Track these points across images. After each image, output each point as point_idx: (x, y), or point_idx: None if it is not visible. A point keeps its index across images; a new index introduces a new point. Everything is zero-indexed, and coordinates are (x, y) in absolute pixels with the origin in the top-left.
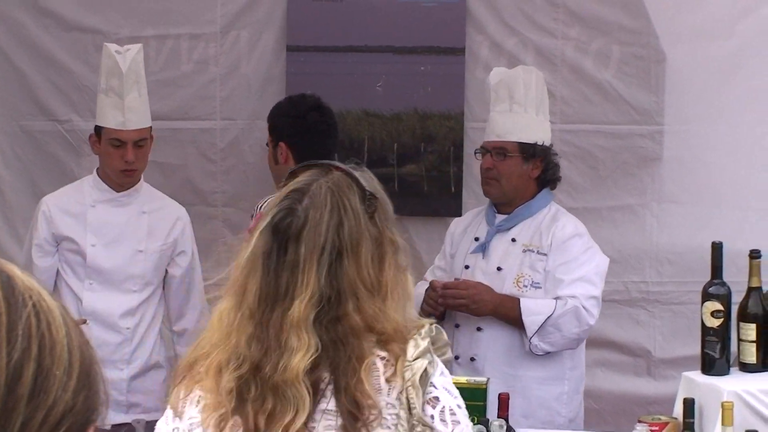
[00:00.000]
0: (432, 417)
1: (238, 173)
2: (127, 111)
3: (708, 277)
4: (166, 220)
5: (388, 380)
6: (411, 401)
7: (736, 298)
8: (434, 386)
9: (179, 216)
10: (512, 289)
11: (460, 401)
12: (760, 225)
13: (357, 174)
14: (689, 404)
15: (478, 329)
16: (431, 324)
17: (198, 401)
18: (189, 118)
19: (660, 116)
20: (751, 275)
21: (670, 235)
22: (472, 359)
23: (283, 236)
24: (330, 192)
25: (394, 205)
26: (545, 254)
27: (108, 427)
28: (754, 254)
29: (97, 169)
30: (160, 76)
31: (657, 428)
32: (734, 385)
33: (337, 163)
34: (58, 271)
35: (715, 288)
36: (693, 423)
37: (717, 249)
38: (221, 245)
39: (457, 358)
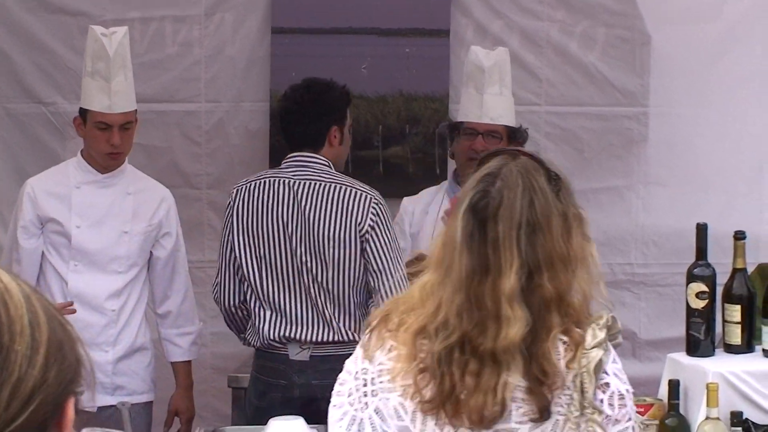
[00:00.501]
0: (601, 401)
1: (222, 155)
2: (114, 94)
3: (693, 259)
4: (151, 201)
5: (566, 364)
6: (584, 386)
7: (721, 280)
8: (606, 373)
9: (164, 197)
10: None
11: (629, 386)
12: (745, 207)
13: (541, 157)
14: (674, 386)
15: None
16: (610, 315)
17: (389, 350)
18: (174, 101)
19: (645, 98)
20: (735, 256)
21: (656, 217)
22: None
23: (481, 216)
24: (520, 174)
25: (379, 188)
26: None
27: (94, 410)
28: (739, 235)
29: (82, 150)
30: (144, 58)
31: (642, 410)
32: (719, 366)
33: (523, 149)
34: (43, 253)
35: (699, 269)
36: (678, 404)
37: (702, 230)
38: (206, 228)
39: None
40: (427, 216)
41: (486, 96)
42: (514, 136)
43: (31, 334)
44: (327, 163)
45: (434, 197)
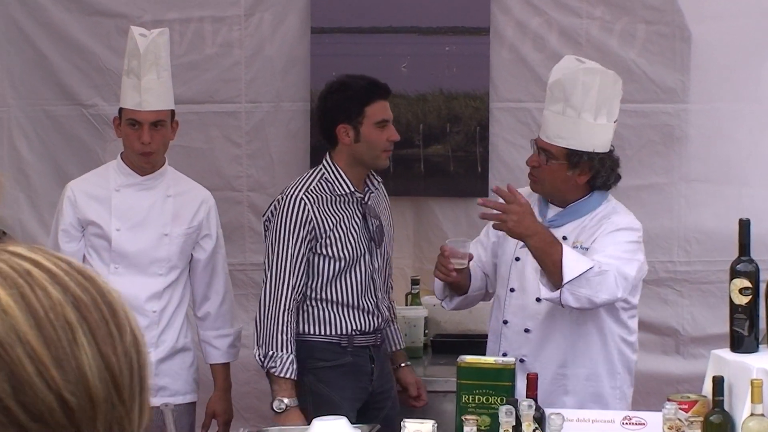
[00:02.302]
0: None
1: (263, 157)
2: (144, 92)
3: (736, 256)
4: (191, 203)
5: None
6: None
7: (765, 276)
8: None
9: (204, 199)
10: (547, 291)
11: None
12: None
13: None
14: (718, 382)
15: (526, 330)
16: None
17: None
18: (214, 102)
19: (685, 94)
20: None
21: (698, 213)
22: (522, 360)
23: None
24: None
25: (420, 186)
26: (587, 248)
27: None
28: None
29: (122, 153)
30: (184, 59)
31: (686, 407)
32: (763, 362)
33: None
34: (84, 256)
35: (743, 265)
36: (722, 401)
37: (744, 226)
38: (247, 230)
39: (504, 355)
40: None
41: (546, 112)
42: (576, 161)
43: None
44: (321, 167)
45: None
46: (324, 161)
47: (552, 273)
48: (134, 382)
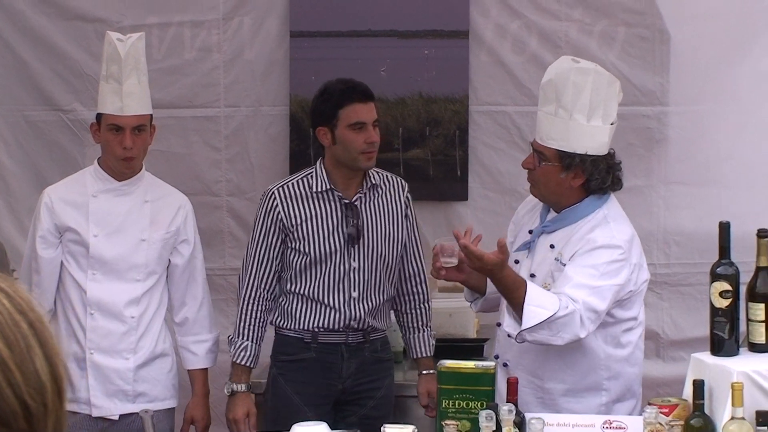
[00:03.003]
0: None
1: (242, 161)
2: (125, 96)
3: (715, 258)
4: (169, 208)
5: None
6: None
7: (745, 278)
8: None
9: (181, 204)
10: (510, 325)
11: None
12: (767, 204)
13: None
14: (699, 386)
15: (509, 335)
16: None
17: None
18: (193, 106)
19: (665, 97)
20: (759, 254)
21: (677, 216)
22: (505, 364)
23: None
24: None
25: None
26: (564, 264)
27: (116, 417)
28: (762, 233)
29: (99, 159)
30: (163, 64)
31: (667, 410)
32: (744, 365)
33: None
34: (62, 262)
35: (723, 268)
36: (703, 404)
37: (724, 229)
38: (226, 235)
39: (497, 357)
40: (524, 225)
41: (539, 113)
42: (568, 163)
43: None
44: (312, 167)
45: (535, 205)
46: (317, 162)
47: (514, 310)
48: (64, 387)
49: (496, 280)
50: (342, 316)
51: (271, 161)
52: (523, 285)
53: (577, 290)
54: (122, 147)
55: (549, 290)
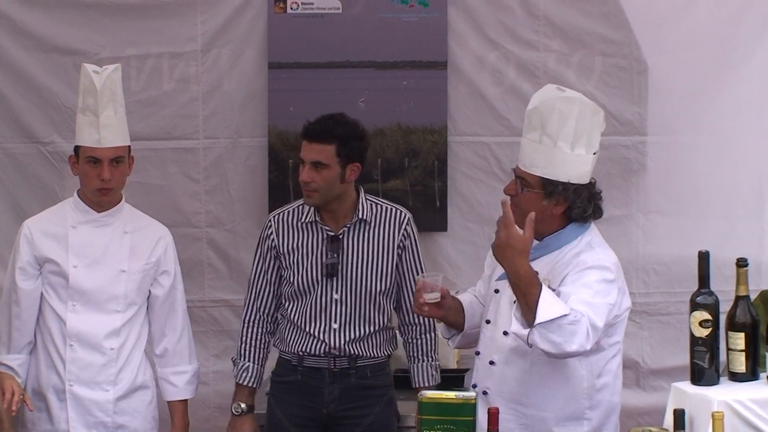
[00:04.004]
0: None
1: (221, 193)
2: (103, 128)
3: (695, 287)
4: (149, 239)
5: None
6: None
7: (724, 307)
8: None
9: (161, 235)
10: (519, 327)
11: None
12: (745, 233)
13: None
14: (679, 415)
15: (491, 363)
16: None
17: None
18: (171, 138)
19: (643, 126)
20: (738, 284)
21: (656, 245)
22: (485, 393)
23: None
24: None
25: None
26: (554, 289)
27: None
28: (741, 263)
29: (78, 190)
30: (141, 95)
31: None
32: (724, 394)
33: None
34: (42, 294)
35: (702, 297)
36: None
37: (704, 258)
38: (206, 267)
39: (474, 386)
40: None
41: (523, 140)
42: (550, 190)
43: None
44: None
45: None
46: None
47: (526, 312)
48: None
49: (514, 266)
50: (323, 345)
51: (250, 192)
52: (539, 283)
53: (578, 305)
54: (100, 179)
55: None
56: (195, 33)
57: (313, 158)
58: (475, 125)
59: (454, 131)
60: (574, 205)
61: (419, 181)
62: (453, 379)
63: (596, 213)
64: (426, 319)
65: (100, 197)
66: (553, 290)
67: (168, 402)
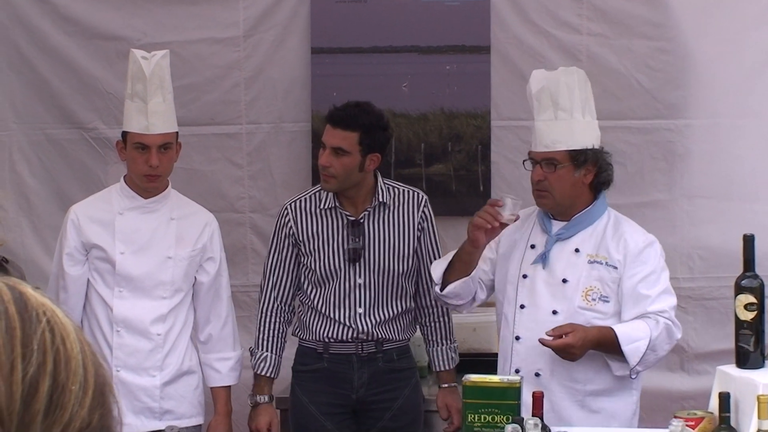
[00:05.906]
0: None
1: (265, 178)
2: (151, 115)
3: (739, 272)
4: (195, 226)
5: None
6: None
7: None
8: None
9: (207, 222)
10: (581, 302)
11: None
12: None
13: None
14: (725, 398)
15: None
16: None
17: None
18: (214, 123)
19: (687, 110)
20: None
21: (701, 230)
22: (537, 374)
23: None
24: None
25: None
26: (615, 267)
27: None
28: None
29: (125, 176)
30: (183, 81)
31: (693, 423)
32: None
33: None
34: (88, 280)
35: (747, 281)
36: (729, 417)
37: (748, 241)
38: (249, 252)
39: (517, 371)
40: (519, 241)
41: (538, 123)
42: (581, 159)
43: (83, 374)
44: None
45: (525, 222)
46: None
47: (613, 353)
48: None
49: (592, 345)
50: (349, 330)
51: (293, 177)
52: (611, 330)
53: (658, 303)
54: (148, 165)
55: (596, 291)
56: (237, 18)
57: (335, 144)
58: (518, 109)
59: (497, 116)
60: (602, 169)
61: (463, 166)
62: (497, 362)
63: (612, 179)
64: (441, 306)
65: (148, 183)
66: (614, 267)
67: (211, 388)
